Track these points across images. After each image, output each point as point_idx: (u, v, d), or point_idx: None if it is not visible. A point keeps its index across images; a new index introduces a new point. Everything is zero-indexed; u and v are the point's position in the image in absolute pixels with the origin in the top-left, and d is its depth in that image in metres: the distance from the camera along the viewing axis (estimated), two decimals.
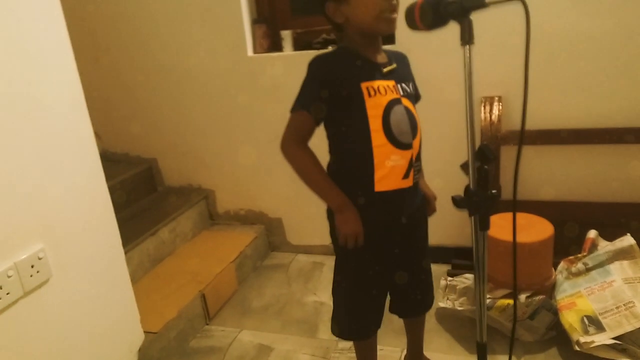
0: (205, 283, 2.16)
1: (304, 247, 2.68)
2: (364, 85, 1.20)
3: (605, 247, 1.88)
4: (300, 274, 2.47)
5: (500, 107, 2.08)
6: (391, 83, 1.24)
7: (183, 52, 2.47)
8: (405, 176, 1.26)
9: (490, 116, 2.09)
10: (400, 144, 1.23)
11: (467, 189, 1.11)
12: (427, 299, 1.52)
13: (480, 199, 1.11)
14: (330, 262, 2.56)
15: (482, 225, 1.14)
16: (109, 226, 1.59)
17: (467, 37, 1.01)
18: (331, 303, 2.16)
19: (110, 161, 2.81)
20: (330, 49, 2.27)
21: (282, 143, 1.26)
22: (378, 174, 1.23)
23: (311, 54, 2.26)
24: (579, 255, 1.93)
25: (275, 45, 2.43)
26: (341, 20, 1.23)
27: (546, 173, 2.14)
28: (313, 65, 1.23)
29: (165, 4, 2.41)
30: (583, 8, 1.90)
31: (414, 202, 1.35)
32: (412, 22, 1.09)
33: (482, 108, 2.10)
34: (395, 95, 1.24)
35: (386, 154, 1.22)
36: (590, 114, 2.02)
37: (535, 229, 1.86)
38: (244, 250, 2.47)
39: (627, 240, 1.84)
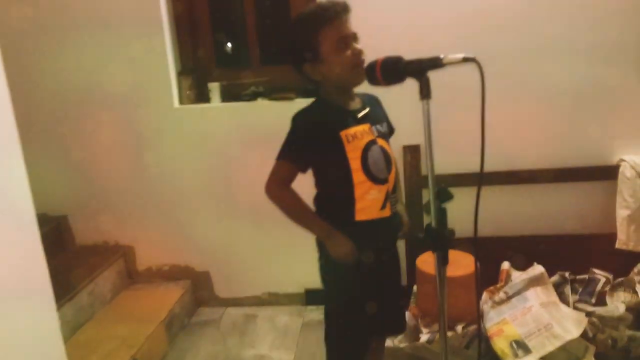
0: (137, 347, 2.03)
1: (233, 299, 2.63)
2: (342, 133, 1.34)
3: (520, 276, 2.12)
4: (234, 328, 2.42)
5: (419, 154, 2.29)
6: (366, 127, 1.39)
7: (103, 101, 2.40)
8: (383, 207, 1.40)
9: (411, 162, 2.29)
10: (378, 180, 1.38)
11: (428, 227, 1.23)
12: (402, 320, 1.65)
13: (442, 236, 1.23)
14: (262, 312, 2.55)
15: (444, 260, 1.26)
16: (45, 296, 1.47)
17: (425, 92, 1.16)
18: (272, 355, 2.17)
19: None
20: (259, 100, 2.37)
21: (267, 187, 1.38)
22: (358, 206, 1.37)
23: (240, 105, 2.37)
24: (498, 285, 2.15)
25: (202, 97, 2.45)
26: (319, 78, 1.37)
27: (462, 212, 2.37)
28: (297, 119, 1.36)
29: (88, 52, 2.36)
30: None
31: (393, 229, 1.49)
32: (374, 78, 1.22)
33: (404, 155, 2.30)
34: (370, 137, 1.38)
35: (365, 189, 1.37)
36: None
37: (461, 264, 2.02)
38: (172, 308, 2.37)
39: (538, 269, 2.09)
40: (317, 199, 1.46)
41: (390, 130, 1.55)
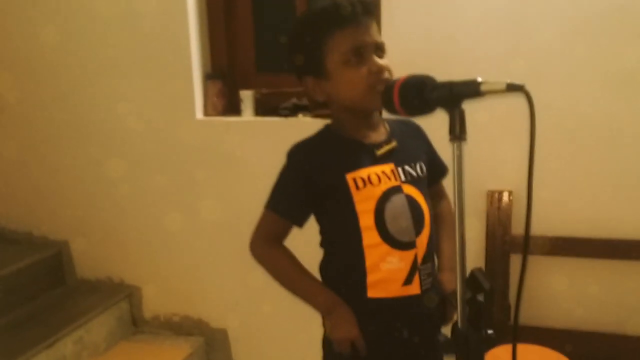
0: None
1: None
2: (349, 176, 1.24)
3: None
4: None
5: (511, 204, 2.07)
6: (388, 167, 1.28)
7: (111, 109, 2.47)
8: (408, 282, 1.27)
9: (498, 215, 2.07)
10: (399, 244, 1.25)
11: (454, 327, 1.05)
12: None
13: (472, 342, 1.05)
14: None
15: None
16: None
17: (457, 132, 0.99)
18: None
19: (7, 242, 2.71)
20: (299, 116, 2.29)
21: (250, 242, 1.36)
22: (371, 278, 1.26)
23: (275, 121, 2.31)
24: None
25: (232, 107, 2.43)
26: (323, 98, 1.29)
27: (566, 294, 2.12)
28: (291, 156, 1.32)
29: (95, 47, 2.43)
30: (620, 89, 1.96)
31: (423, 313, 1.32)
32: (390, 104, 1.08)
33: (488, 205, 2.09)
34: (393, 183, 1.27)
35: (381, 256, 1.25)
36: (627, 222, 2.02)
37: None
38: None
39: None
40: (322, 265, 1.39)
41: (437, 172, 1.42)
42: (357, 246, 1.25)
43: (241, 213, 2.40)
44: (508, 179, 2.09)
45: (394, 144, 1.30)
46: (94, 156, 2.55)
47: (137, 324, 2.69)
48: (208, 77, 2.40)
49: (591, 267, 2.07)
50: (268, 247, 1.33)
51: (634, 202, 2.01)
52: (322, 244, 1.37)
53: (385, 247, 1.24)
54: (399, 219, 1.25)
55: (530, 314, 2.12)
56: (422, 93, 1.02)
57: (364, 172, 1.25)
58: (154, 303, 2.65)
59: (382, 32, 2.13)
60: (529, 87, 0.92)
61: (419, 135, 1.41)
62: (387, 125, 1.34)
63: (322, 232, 1.35)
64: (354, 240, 1.25)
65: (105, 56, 2.43)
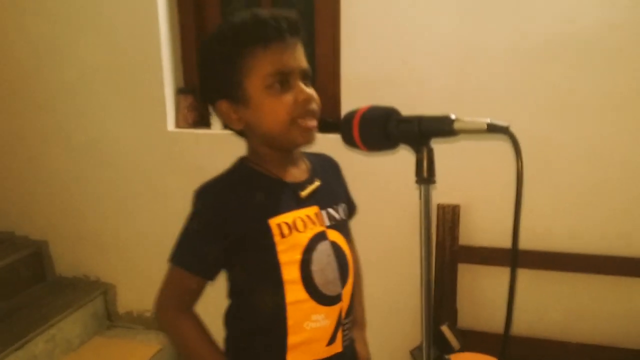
0: None
1: None
2: (273, 222, 0.90)
3: None
4: None
5: (459, 217, 1.81)
6: (312, 211, 0.95)
7: (88, 119, 2.14)
8: (332, 341, 0.95)
9: (448, 227, 1.81)
10: (326, 299, 0.93)
11: None
12: None
13: None
14: None
15: None
16: None
17: (425, 173, 0.71)
18: None
19: None
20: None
21: (157, 304, 0.97)
22: (292, 340, 0.93)
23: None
24: None
25: (203, 120, 2.11)
26: (239, 126, 0.93)
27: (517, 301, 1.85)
28: (200, 199, 0.94)
29: (71, 60, 2.10)
30: (559, 112, 1.68)
31: None
32: (349, 137, 0.79)
33: (438, 217, 1.83)
34: (319, 228, 0.95)
35: (306, 314, 0.92)
36: (579, 236, 1.75)
37: None
38: None
39: None
40: (229, 317, 1.01)
41: (351, 211, 1.11)
42: (279, 303, 0.91)
43: None
44: (456, 193, 1.83)
45: (317, 183, 0.97)
46: (73, 163, 2.22)
47: (111, 319, 2.36)
48: (180, 92, 2.08)
49: (530, 277, 1.81)
50: (177, 315, 0.94)
51: (582, 218, 1.75)
52: (231, 295, 1.00)
53: (311, 304, 0.92)
54: (325, 270, 0.93)
55: (472, 319, 1.88)
56: (386, 126, 0.74)
57: (288, 217, 0.91)
58: (128, 300, 2.33)
59: (341, 55, 1.84)
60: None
61: (337, 172, 1.10)
62: (307, 162, 1.01)
63: (232, 281, 0.98)
64: (274, 295, 0.91)
65: (81, 71, 2.10)
